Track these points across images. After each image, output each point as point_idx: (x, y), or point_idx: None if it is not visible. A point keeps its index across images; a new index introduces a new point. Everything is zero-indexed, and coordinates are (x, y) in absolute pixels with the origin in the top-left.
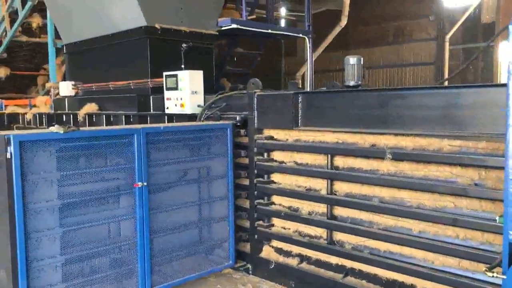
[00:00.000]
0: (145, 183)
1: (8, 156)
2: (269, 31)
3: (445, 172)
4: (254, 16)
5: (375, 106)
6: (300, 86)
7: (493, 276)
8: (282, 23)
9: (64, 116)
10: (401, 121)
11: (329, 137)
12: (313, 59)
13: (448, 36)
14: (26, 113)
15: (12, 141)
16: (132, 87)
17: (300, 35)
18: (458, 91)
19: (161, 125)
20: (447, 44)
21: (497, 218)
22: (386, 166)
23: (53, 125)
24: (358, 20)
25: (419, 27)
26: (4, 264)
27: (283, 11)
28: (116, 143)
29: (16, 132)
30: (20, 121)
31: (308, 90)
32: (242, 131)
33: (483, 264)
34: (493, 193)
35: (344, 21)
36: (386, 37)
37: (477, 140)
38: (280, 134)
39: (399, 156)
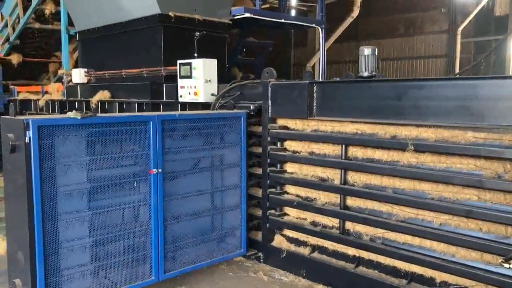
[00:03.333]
0: (160, 170)
1: (27, 140)
2: (283, 20)
3: (469, 165)
4: (267, 6)
5: (392, 96)
6: None
7: (509, 268)
8: (293, 13)
9: (76, 103)
10: (420, 112)
11: (348, 127)
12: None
13: (460, 29)
14: (38, 100)
15: (31, 126)
16: (145, 75)
17: (313, 25)
18: (478, 82)
19: (176, 113)
20: (459, 37)
21: None
22: (406, 158)
23: (66, 112)
24: (369, 11)
25: (431, 19)
26: (22, 246)
27: (293, 1)
28: (132, 129)
29: (34, 116)
30: (32, 107)
31: (322, 80)
32: (256, 120)
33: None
34: None
35: (356, 12)
36: (398, 29)
37: (502, 133)
38: (294, 124)
39: (421, 147)
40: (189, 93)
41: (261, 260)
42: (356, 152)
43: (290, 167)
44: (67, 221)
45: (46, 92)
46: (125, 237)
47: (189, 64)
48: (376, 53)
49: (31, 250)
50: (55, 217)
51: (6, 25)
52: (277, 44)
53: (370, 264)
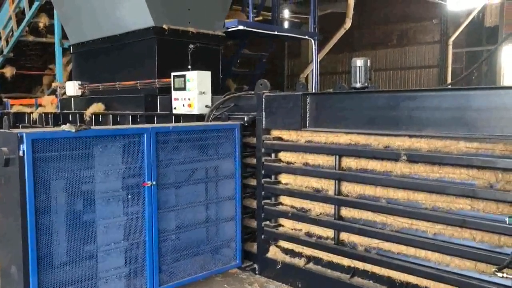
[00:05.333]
0: (154, 182)
1: (21, 154)
2: (276, 32)
3: (462, 175)
4: (260, 18)
5: (385, 107)
6: None
7: (502, 277)
8: (286, 25)
9: (70, 116)
10: (413, 123)
11: (341, 138)
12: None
13: (451, 39)
14: (32, 113)
15: (25, 139)
16: (139, 87)
17: (306, 37)
18: (470, 93)
19: (170, 125)
20: (450, 47)
21: (506, 219)
22: (400, 168)
23: (60, 125)
24: (362, 22)
25: (423, 30)
26: (16, 261)
27: (286, 13)
28: (126, 142)
29: (28, 130)
30: (26, 120)
31: (315, 91)
32: (250, 132)
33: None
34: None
35: (348, 24)
36: (391, 40)
37: (494, 142)
38: (288, 135)
39: (414, 157)
40: (183, 105)
41: (257, 272)
42: (349, 162)
43: (284, 178)
44: (62, 234)
45: (40, 105)
46: (119, 250)
47: (183, 76)
48: (369, 64)
49: (24, 265)
50: (50, 231)
51: None
52: (271, 55)
53: (365, 274)
